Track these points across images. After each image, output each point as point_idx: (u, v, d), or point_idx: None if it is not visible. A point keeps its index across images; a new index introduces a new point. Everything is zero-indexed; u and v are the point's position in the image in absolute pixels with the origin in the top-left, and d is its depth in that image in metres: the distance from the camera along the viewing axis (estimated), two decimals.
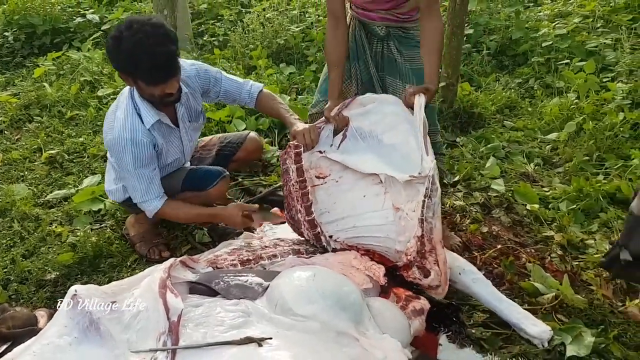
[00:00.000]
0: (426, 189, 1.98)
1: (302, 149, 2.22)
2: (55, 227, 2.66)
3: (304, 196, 2.19)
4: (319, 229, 2.18)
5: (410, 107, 2.15)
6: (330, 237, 2.19)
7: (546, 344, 1.95)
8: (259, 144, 2.84)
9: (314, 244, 2.23)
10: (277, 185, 2.90)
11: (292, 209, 2.22)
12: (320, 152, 2.28)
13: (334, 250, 2.19)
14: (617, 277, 2.04)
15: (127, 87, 2.29)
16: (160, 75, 2.11)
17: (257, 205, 2.48)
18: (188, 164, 2.66)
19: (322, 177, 2.26)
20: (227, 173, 2.53)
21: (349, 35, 2.39)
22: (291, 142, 2.23)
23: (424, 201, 1.98)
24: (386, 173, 2.13)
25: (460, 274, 2.12)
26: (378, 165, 2.19)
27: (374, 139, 2.27)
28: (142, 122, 2.24)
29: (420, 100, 2.13)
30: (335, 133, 2.30)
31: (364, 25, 2.36)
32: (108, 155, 2.51)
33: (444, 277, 1.98)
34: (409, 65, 2.35)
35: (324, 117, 2.32)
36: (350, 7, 2.37)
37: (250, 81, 2.56)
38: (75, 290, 1.64)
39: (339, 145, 2.29)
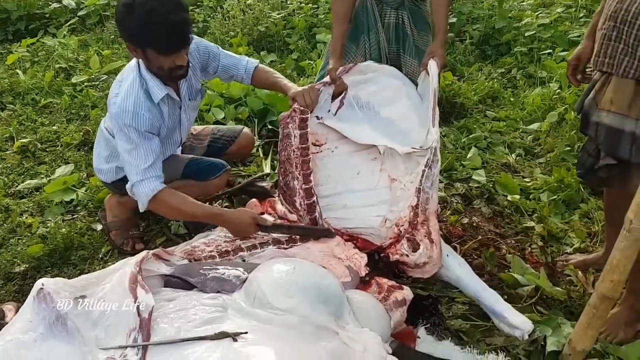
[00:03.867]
0: (427, 159, 1.98)
1: (308, 115, 2.17)
2: (26, 218, 2.59)
3: (305, 164, 2.14)
4: (315, 198, 2.14)
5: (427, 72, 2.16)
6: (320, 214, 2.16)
7: (527, 336, 1.93)
8: (252, 140, 2.87)
9: (303, 215, 2.16)
10: (257, 175, 2.85)
11: (289, 175, 2.16)
12: (318, 117, 2.24)
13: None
14: (592, 184, 2.35)
15: (133, 62, 2.22)
16: (174, 44, 2.04)
17: (271, 220, 2.19)
18: (179, 151, 2.61)
19: (318, 145, 2.23)
20: (229, 167, 2.51)
21: (359, 6, 2.35)
22: (296, 107, 2.18)
23: (424, 170, 1.97)
24: (385, 144, 2.12)
25: (448, 255, 2.09)
26: (376, 137, 2.18)
27: (371, 110, 2.26)
28: (150, 97, 2.17)
29: (433, 68, 2.11)
30: (333, 98, 2.27)
31: None
32: (103, 128, 2.41)
33: (438, 250, 1.97)
34: (415, 42, 2.35)
35: (323, 80, 2.29)
36: None
37: (246, 57, 2.53)
38: (42, 284, 1.58)
39: (336, 112, 2.27)
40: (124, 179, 2.34)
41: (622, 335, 1.95)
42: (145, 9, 1.96)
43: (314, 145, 2.21)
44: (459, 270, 2.08)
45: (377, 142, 2.15)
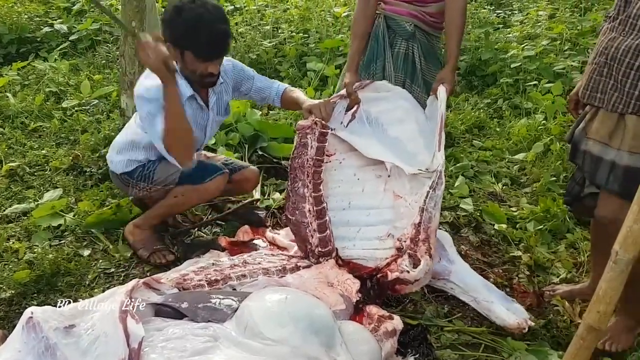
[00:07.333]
0: (432, 181, 2.08)
1: (328, 130, 2.27)
2: (13, 243, 2.55)
3: (316, 174, 2.23)
4: (324, 204, 2.22)
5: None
6: None
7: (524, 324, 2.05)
8: (257, 177, 2.84)
9: (312, 221, 2.19)
10: (246, 201, 2.86)
11: (299, 182, 2.22)
12: (331, 129, 2.31)
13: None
14: (577, 212, 2.60)
15: None
16: (213, 52, 2.19)
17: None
18: None
19: (327, 155, 2.31)
20: (227, 171, 2.52)
21: (373, 36, 2.42)
22: (317, 120, 2.25)
23: (428, 192, 2.07)
24: (393, 162, 2.21)
25: (451, 246, 2.27)
26: (384, 153, 2.27)
27: (379, 126, 2.35)
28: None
29: (442, 94, 2.20)
30: (346, 111, 2.35)
31: (390, 25, 2.38)
32: (133, 123, 2.49)
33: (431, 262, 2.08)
34: (423, 75, 2.41)
35: (339, 93, 2.36)
36: (379, 3, 2.40)
37: (277, 81, 2.67)
38: (31, 313, 1.56)
39: (347, 124, 2.34)
40: (132, 173, 2.44)
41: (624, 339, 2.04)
42: (193, 14, 2.12)
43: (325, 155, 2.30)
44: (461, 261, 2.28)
45: (385, 158, 2.24)
